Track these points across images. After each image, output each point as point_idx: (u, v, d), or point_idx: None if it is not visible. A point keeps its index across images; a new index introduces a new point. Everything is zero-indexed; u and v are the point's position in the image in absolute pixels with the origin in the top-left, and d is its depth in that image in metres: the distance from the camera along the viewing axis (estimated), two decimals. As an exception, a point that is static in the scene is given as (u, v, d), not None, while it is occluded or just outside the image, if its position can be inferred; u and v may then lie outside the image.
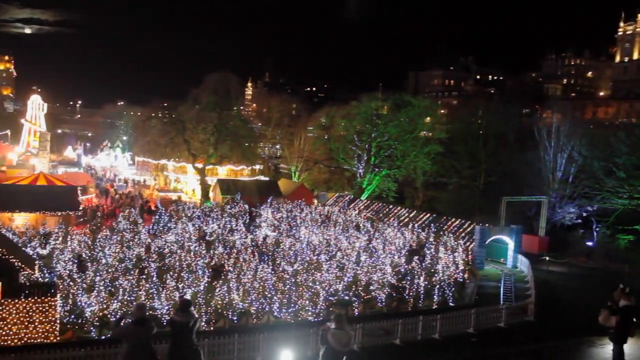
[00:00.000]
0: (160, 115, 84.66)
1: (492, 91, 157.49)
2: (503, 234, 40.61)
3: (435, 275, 31.34)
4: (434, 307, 27.94)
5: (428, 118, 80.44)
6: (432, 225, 44.80)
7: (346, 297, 27.14)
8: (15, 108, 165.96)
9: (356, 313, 26.05)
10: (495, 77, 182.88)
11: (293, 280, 27.10)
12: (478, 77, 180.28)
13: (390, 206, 55.87)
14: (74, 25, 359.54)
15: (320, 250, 34.40)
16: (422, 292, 28.76)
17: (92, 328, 22.39)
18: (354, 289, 27.91)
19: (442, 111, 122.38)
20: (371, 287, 28.35)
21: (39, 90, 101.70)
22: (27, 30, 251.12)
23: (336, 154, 77.06)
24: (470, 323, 23.24)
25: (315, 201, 62.26)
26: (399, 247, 37.76)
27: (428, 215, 49.44)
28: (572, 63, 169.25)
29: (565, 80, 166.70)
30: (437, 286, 29.35)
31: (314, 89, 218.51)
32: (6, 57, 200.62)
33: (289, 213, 47.07)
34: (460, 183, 70.33)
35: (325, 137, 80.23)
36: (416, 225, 45.54)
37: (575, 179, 55.56)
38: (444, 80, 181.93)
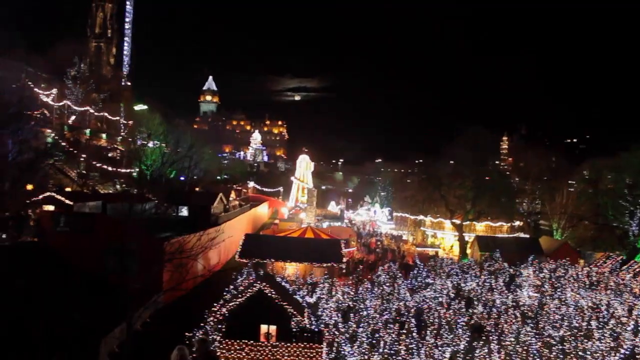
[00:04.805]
0: (416, 171, 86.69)
1: None
2: None
3: None
4: None
5: None
6: None
7: (623, 372, 24.54)
8: (286, 167, 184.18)
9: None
10: None
11: (560, 347, 25.33)
12: None
13: (673, 270, 49.32)
14: (334, 91, 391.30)
15: (590, 316, 31.68)
16: None
17: (354, 378, 23.31)
18: (632, 363, 25.13)
19: None
20: (654, 362, 25.26)
21: (306, 150, 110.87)
22: (297, 98, 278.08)
23: (604, 209, 70.95)
24: None
25: (581, 261, 57.71)
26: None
27: None
28: None
29: None
30: None
31: (574, 140, 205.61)
32: (280, 122, 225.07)
33: (552, 273, 44.33)
34: None
35: (590, 192, 74.58)
36: None
37: None
38: None
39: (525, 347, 24.97)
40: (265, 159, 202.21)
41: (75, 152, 69.21)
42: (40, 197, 38.37)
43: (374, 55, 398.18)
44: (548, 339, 26.48)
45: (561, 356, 24.44)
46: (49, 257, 30.43)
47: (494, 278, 41.34)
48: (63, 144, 67.37)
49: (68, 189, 53.87)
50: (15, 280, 22.39)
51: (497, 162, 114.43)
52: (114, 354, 23.08)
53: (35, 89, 66.50)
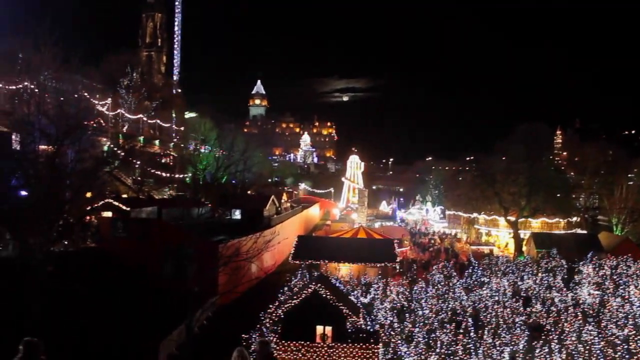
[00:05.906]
0: (468, 168, 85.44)
1: None
2: None
3: None
4: None
5: None
6: None
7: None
8: (336, 168, 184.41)
9: None
10: None
11: (625, 346, 24.53)
12: None
13: None
14: (383, 90, 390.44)
15: (657, 314, 30.58)
16: None
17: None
18: None
19: None
20: None
21: (356, 150, 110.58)
22: (345, 98, 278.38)
23: (667, 203, 68.56)
24: None
25: (645, 257, 55.78)
26: None
27: None
28: None
29: None
30: None
31: (632, 131, 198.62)
32: (328, 124, 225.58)
33: (613, 270, 42.99)
34: None
35: (652, 184, 72.20)
36: None
37: None
38: None
39: (588, 347, 24.28)
40: (315, 160, 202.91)
41: (130, 159, 70.92)
42: (100, 203, 39.51)
43: (422, 53, 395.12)
44: (611, 338, 25.70)
45: (627, 356, 23.66)
46: (109, 262, 31.31)
47: (552, 276, 40.45)
48: (118, 151, 69.12)
49: (124, 196, 55.18)
50: (76, 286, 23.09)
51: (551, 157, 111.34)
52: (173, 356, 23.54)
53: (91, 100, 68.36)
